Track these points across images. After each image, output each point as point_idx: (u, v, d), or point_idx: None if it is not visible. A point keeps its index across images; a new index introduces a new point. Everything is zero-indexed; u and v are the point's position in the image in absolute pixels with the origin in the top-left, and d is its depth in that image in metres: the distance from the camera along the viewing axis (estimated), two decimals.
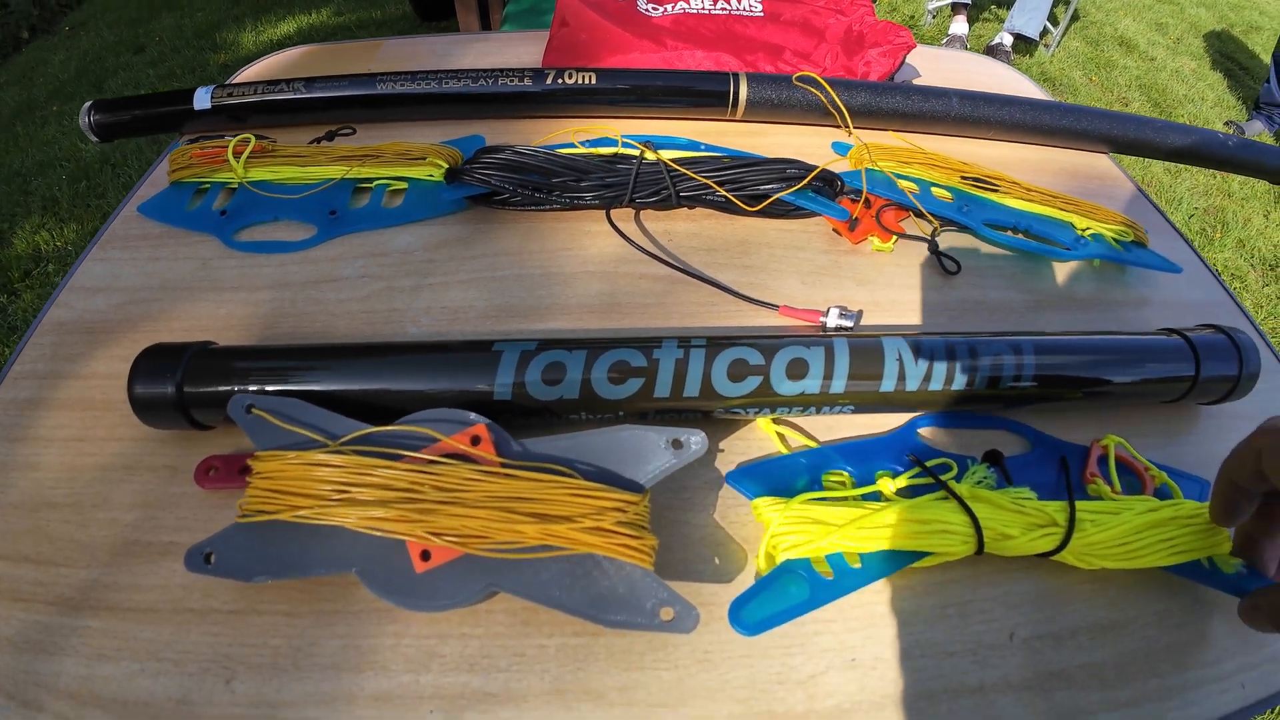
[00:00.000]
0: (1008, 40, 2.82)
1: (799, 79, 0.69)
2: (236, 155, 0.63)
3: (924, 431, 0.48)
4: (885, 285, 0.58)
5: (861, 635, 0.39)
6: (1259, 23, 3.58)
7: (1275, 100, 2.64)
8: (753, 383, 0.42)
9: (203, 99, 0.70)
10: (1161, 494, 0.45)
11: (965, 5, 2.90)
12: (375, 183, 0.62)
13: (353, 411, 0.39)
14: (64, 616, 0.40)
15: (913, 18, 3.17)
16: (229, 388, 0.42)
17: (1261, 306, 1.92)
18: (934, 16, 3.11)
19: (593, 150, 0.61)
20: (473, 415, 0.37)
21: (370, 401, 0.41)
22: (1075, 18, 3.15)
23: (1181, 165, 2.28)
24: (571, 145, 0.62)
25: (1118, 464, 0.47)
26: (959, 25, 2.86)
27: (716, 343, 0.43)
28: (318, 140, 0.67)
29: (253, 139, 0.63)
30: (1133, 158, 2.16)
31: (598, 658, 0.37)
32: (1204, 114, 2.70)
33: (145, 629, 0.39)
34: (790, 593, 0.38)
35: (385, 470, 0.34)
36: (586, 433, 0.38)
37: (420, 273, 0.56)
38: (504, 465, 0.35)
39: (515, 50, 0.86)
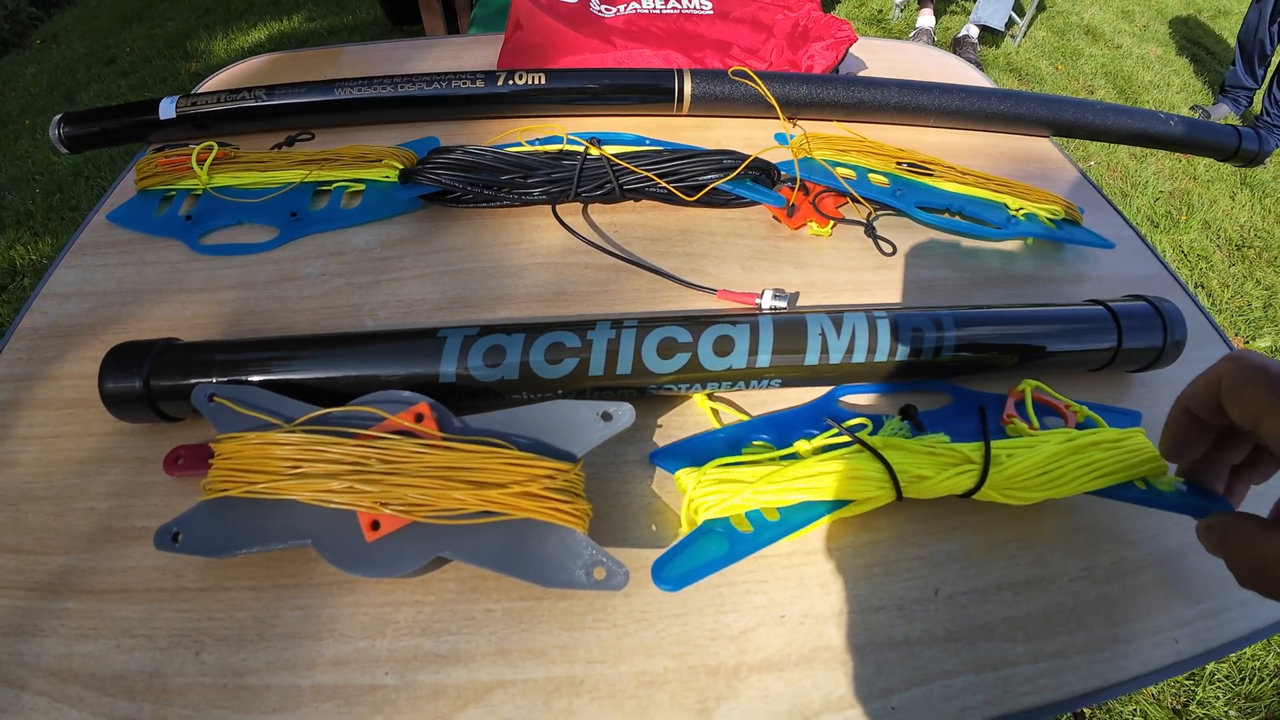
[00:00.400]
0: (974, 32, 2.86)
1: (734, 73, 0.72)
2: (200, 162, 0.65)
3: (848, 399, 0.51)
4: (822, 268, 0.61)
5: (791, 594, 0.42)
6: (1226, 7, 3.63)
7: (1241, 84, 2.69)
8: (681, 359, 0.45)
9: (168, 109, 0.73)
10: (1087, 427, 0.47)
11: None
12: (334, 185, 0.65)
13: (310, 398, 0.42)
14: (44, 600, 0.42)
15: (881, 11, 3.20)
16: (193, 380, 0.45)
17: (1228, 285, 1.97)
18: (901, 10, 3.15)
19: (539, 148, 0.64)
20: (415, 395, 0.40)
21: (325, 388, 0.44)
22: (1041, 8, 3.20)
23: (1147, 150, 2.34)
24: (519, 144, 0.65)
25: (1041, 406, 0.50)
26: (926, 18, 2.90)
27: (647, 323, 0.46)
28: (278, 146, 0.70)
29: (215, 146, 0.66)
30: (1101, 144, 2.22)
31: (541, 619, 0.40)
32: (1170, 99, 2.75)
33: (120, 608, 0.42)
34: (709, 549, 0.41)
35: (334, 446, 0.37)
36: (522, 408, 0.41)
37: (377, 269, 0.58)
38: (444, 439, 0.38)
39: (475, 54, 0.89)
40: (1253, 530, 0.32)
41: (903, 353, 0.48)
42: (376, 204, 0.63)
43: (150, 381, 0.45)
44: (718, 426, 0.48)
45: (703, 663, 0.39)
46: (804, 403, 0.51)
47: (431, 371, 0.43)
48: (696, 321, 0.47)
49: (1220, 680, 1.16)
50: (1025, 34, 2.99)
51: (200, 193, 0.66)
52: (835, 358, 0.48)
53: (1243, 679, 1.17)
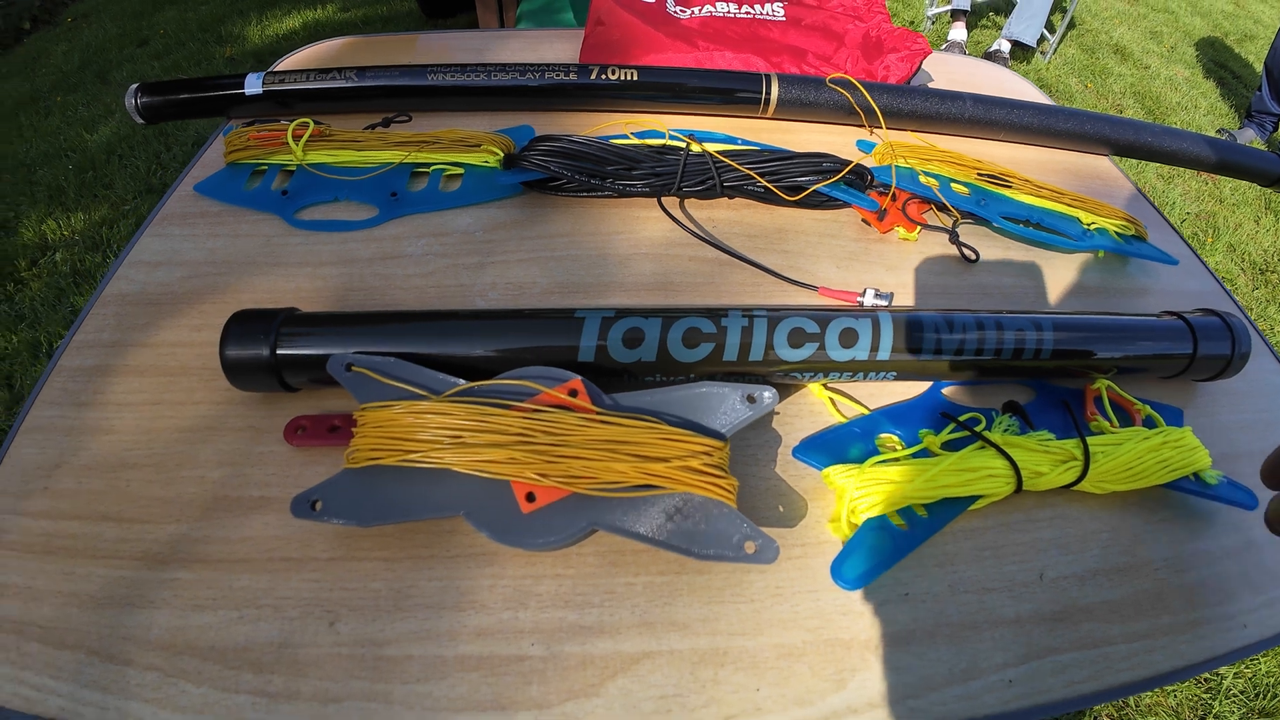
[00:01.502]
0: (1005, 47, 2.88)
1: (832, 81, 0.73)
2: (295, 138, 0.65)
3: (945, 391, 0.53)
4: (911, 271, 0.62)
5: (912, 573, 0.43)
6: (1253, 31, 3.66)
7: (1267, 109, 2.70)
8: (810, 349, 0.46)
9: (254, 84, 0.73)
10: (1148, 424, 0.51)
11: (964, 12, 2.96)
12: (432, 167, 0.65)
13: (442, 372, 0.43)
14: (151, 571, 0.42)
15: (912, 23, 3.23)
16: (322, 351, 0.45)
17: (1251, 309, 1.99)
18: (933, 22, 3.17)
19: (642, 141, 0.64)
20: (566, 371, 0.41)
21: (460, 364, 0.44)
22: (1071, 25, 3.22)
23: (1175, 171, 2.36)
24: (622, 136, 0.65)
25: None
26: (958, 32, 2.92)
27: (776, 313, 0.47)
28: (373, 126, 0.70)
29: (311, 123, 0.66)
30: (1129, 164, 2.24)
31: (681, 593, 0.41)
32: (1196, 121, 2.77)
33: (240, 578, 0.42)
34: (879, 547, 0.42)
35: (497, 417, 0.37)
36: (670, 388, 0.41)
37: (482, 251, 0.59)
38: (602, 414, 0.39)
39: (548, 46, 0.89)
40: None
41: (1008, 353, 0.50)
42: (476, 188, 0.64)
43: (278, 350, 0.45)
44: (836, 415, 0.49)
45: (836, 636, 0.40)
46: (910, 395, 0.52)
47: (570, 350, 0.44)
48: (822, 314, 0.47)
49: (1236, 695, 1.17)
50: (1055, 50, 3.02)
51: (294, 169, 0.66)
52: (948, 355, 0.49)
53: (1257, 694, 1.18)
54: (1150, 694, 1.15)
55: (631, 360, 0.44)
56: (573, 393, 0.39)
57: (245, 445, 0.47)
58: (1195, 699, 1.17)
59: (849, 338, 0.47)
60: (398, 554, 0.42)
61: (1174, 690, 1.16)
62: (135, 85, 0.74)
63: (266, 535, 0.43)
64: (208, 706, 0.37)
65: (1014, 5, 2.89)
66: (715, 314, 0.46)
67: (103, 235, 1.82)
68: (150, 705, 0.37)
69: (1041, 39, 2.93)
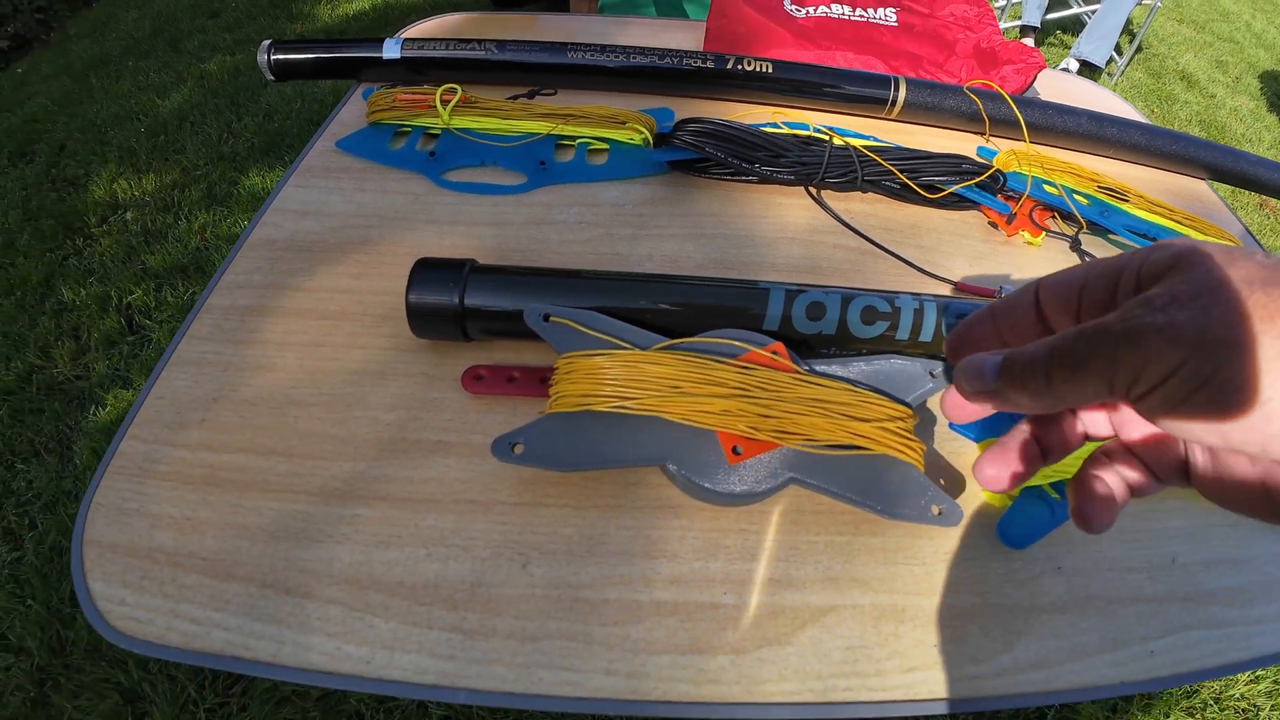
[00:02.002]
0: (1073, 66, 2.87)
1: (970, 88, 0.74)
2: (444, 103, 0.68)
3: None
4: (1036, 273, 0.63)
5: (1063, 549, 0.45)
6: None
7: None
8: None
9: (392, 49, 0.75)
10: None
11: (1034, 29, 2.95)
12: (578, 140, 0.67)
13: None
14: (329, 506, 0.43)
15: None
16: (510, 303, 0.47)
17: None
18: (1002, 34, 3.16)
19: (788, 131, 0.66)
20: (763, 336, 0.42)
21: (649, 322, 0.46)
22: (1139, 49, 3.20)
23: (1236, 204, 2.35)
24: (773, 126, 0.67)
25: None
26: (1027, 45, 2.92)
27: (941, 300, 0.48)
28: (516, 97, 0.72)
29: (459, 89, 0.68)
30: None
31: (859, 553, 0.43)
32: (1260, 155, 2.74)
33: (425, 518, 0.43)
34: (1037, 514, 0.44)
35: (714, 370, 0.39)
36: (858, 359, 0.43)
37: (634, 224, 0.61)
38: (809, 375, 0.41)
39: (669, 35, 0.91)
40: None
41: None
42: (622, 163, 0.65)
43: (465, 299, 0.47)
44: None
45: (1000, 602, 0.42)
46: None
47: (756, 318, 0.46)
48: (986, 304, 0.49)
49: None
50: (1123, 73, 3.01)
51: (438, 132, 0.68)
52: None
53: None
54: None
55: (813, 332, 0.46)
56: (775, 354, 0.41)
57: (418, 390, 0.49)
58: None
59: None
60: (584, 503, 0.44)
61: (1213, 717, 1.16)
62: (268, 41, 0.76)
63: (449, 478, 0.45)
64: (398, 642, 0.39)
65: (1084, 25, 2.88)
66: (888, 296, 0.48)
67: (174, 198, 1.85)
68: (334, 640, 0.39)
69: (1109, 60, 2.92)
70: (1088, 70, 2.98)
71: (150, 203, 1.84)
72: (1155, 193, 0.80)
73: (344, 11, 2.73)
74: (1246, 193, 2.04)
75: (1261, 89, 3.23)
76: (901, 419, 0.40)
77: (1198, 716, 1.16)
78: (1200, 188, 0.84)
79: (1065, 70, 2.85)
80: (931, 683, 0.39)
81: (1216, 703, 1.18)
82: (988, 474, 0.30)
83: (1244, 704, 1.18)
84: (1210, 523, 0.48)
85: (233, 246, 0.59)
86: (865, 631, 0.40)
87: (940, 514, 0.40)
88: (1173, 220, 0.72)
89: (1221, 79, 3.21)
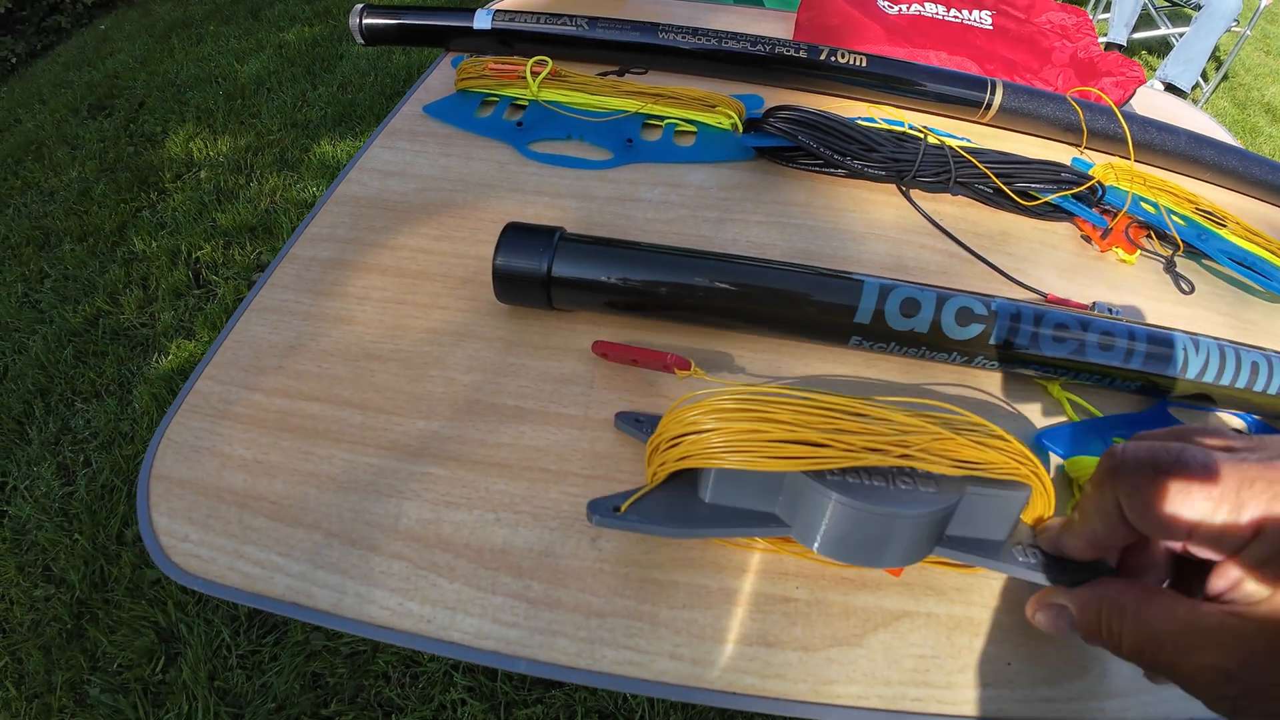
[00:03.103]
0: (1159, 88, 2.80)
1: (1073, 97, 0.72)
2: (533, 75, 0.67)
3: (1170, 410, 0.52)
4: (1128, 292, 0.61)
5: None
6: None
7: None
8: (1070, 345, 0.46)
9: (483, 20, 0.75)
10: None
11: (1120, 48, 2.87)
12: (666, 121, 0.66)
13: (723, 314, 0.43)
14: (400, 462, 0.43)
15: None
16: (597, 275, 0.46)
17: None
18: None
19: (884, 126, 0.65)
20: None
21: (739, 306, 0.45)
22: (1225, 77, 3.10)
23: None
24: (869, 120, 0.65)
25: None
26: None
27: (1041, 310, 0.46)
28: (606, 74, 0.72)
29: (550, 62, 0.68)
30: None
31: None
32: None
33: (496, 482, 0.42)
34: None
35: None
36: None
37: (719, 208, 0.60)
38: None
39: (758, 24, 0.90)
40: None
41: (1243, 383, 0.48)
42: (710, 146, 0.64)
43: (553, 268, 0.46)
44: (1071, 415, 0.49)
45: None
46: (1135, 408, 0.52)
47: (849, 310, 0.44)
48: (1084, 317, 0.47)
49: None
50: (1207, 100, 2.91)
51: (525, 103, 0.68)
52: (1192, 374, 0.48)
53: None
54: None
55: (905, 329, 0.44)
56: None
57: (497, 355, 0.49)
58: None
59: (1107, 342, 0.46)
60: None
61: None
62: (361, 5, 0.76)
63: (523, 444, 0.44)
64: (461, 604, 0.38)
65: (1171, 47, 2.79)
66: (985, 299, 0.46)
67: (247, 160, 1.89)
68: (396, 595, 0.38)
69: (1195, 86, 2.83)
70: (1172, 94, 2.89)
71: (224, 163, 1.88)
72: (1254, 220, 0.77)
73: None
74: None
75: None
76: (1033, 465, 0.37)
77: None
78: None
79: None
80: (1002, 701, 0.37)
81: None
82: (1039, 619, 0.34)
83: None
84: None
85: (302, 213, 0.60)
86: (938, 641, 0.38)
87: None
88: (1268, 250, 0.68)
89: None
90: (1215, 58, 2.96)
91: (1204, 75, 2.87)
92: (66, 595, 1.14)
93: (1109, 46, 2.89)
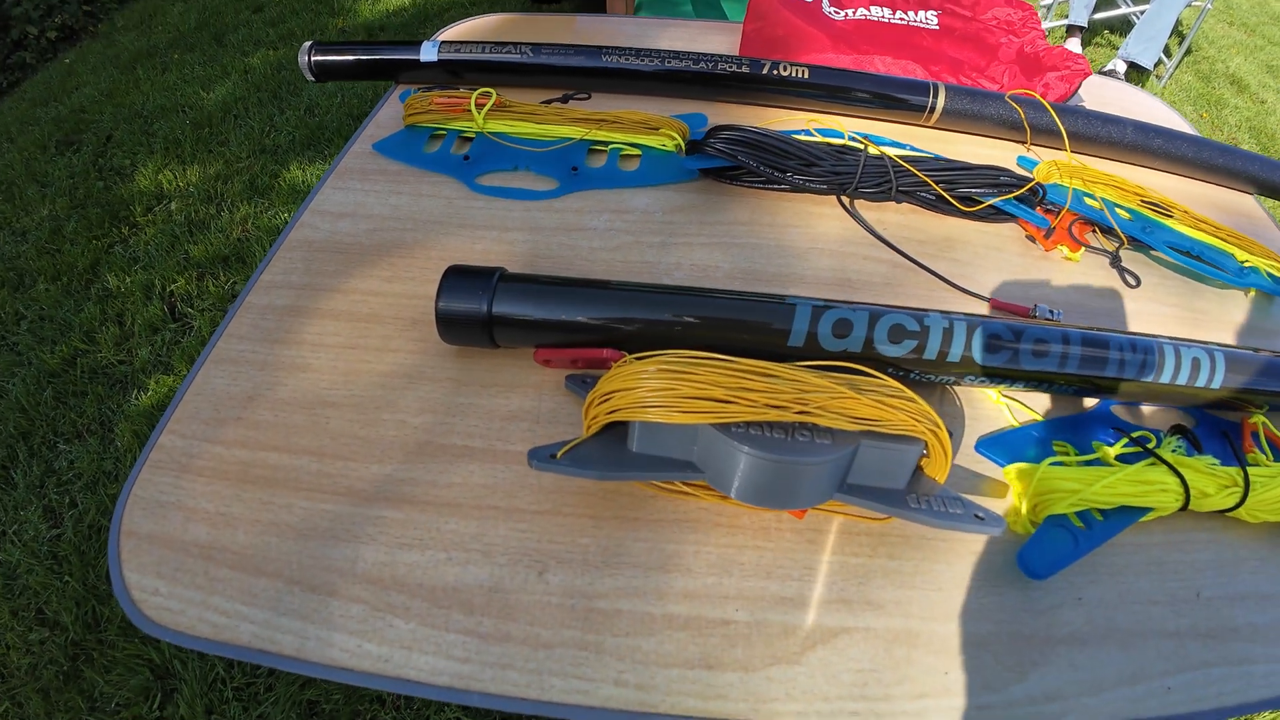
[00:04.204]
0: (1121, 68, 2.79)
1: (1012, 96, 0.73)
2: (478, 107, 0.68)
3: (1114, 409, 0.54)
4: (1075, 291, 0.62)
5: (1086, 579, 0.44)
6: None
7: None
8: (1004, 355, 0.47)
9: (429, 51, 0.76)
10: None
11: (1080, 29, 2.87)
12: (610, 146, 0.67)
13: (660, 343, 0.44)
14: (356, 507, 0.44)
15: None
16: (538, 313, 0.47)
17: None
18: (1045, 37, 3.08)
19: (822, 139, 0.66)
20: None
21: (675, 335, 0.46)
22: (1188, 51, 3.10)
23: None
24: (804, 132, 0.66)
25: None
26: (1072, 47, 2.84)
27: (974, 320, 0.48)
28: (550, 101, 0.73)
29: (494, 93, 0.69)
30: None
31: (874, 575, 0.42)
32: None
33: (449, 522, 0.44)
34: (1061, 544, 0.44)
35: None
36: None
37: (664, 232, 0.61)
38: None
39: (705, 39, 0.91)
40: None
41: (1184, 379, 0.50)
42: (654, 170, 0.66)
43: (494, 307, 0.47)
44: (1012, 421, 0.50)
45: (1017, 631, 0.42)
46: (1080, 409, 0.53)
47: (782, 333, 0.45)
48: (1018, 325, 0.48)
49: None
50: (1171, 76, 2.92)
51: (473, 136, 0.69)
52: (1130, 374, 0.49)
53: None
54: None
55: (838, 350, 0.45)
56: None
57: (447, 395, 0.50)
58: None
59: (1040, 349, 0.47)
60: (603, 513, 0.44)
61: None
62: (309, 43, 0.77)
63: (473, 483, 0.45)
64: (416, 643, 0.39)
65: (1132, 25, 2.80)
66: (918, 315, 0.47)
67: (217, 189, 1.89)
68: (355, 637, 0.40)
69: (1158, 63, 2.84)
70: (1135, 72, 2.90)
71: (194, 193, 1.87)
72: (1200, 206, 0.78)
73: (384, 6, 2.76)
74: None
75: None
76: (937, 425, 0.40)
77: None
78: (1247, 203, 0.82)
79: (1113, 71, 2.78)
80: (941, 710, 0.38)
81: None
82: None
83: None
84: (1240, 556, 0.47)
85: (273, 239, 0.61)
86: (876, 655, 0.39)
87: (984, 521, 0.40)
88: (1216, 237, 0.69)
89: (1272, 84, 3.10)
90: (1178, 32, 2.97)
91: (1167, 51, 2.88)
92: (61, 637, 1.14)
93: (1071, 30, 2.90)
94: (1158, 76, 2.90)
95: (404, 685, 0.38)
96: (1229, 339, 0.62)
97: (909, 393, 0.40)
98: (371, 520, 0.44)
